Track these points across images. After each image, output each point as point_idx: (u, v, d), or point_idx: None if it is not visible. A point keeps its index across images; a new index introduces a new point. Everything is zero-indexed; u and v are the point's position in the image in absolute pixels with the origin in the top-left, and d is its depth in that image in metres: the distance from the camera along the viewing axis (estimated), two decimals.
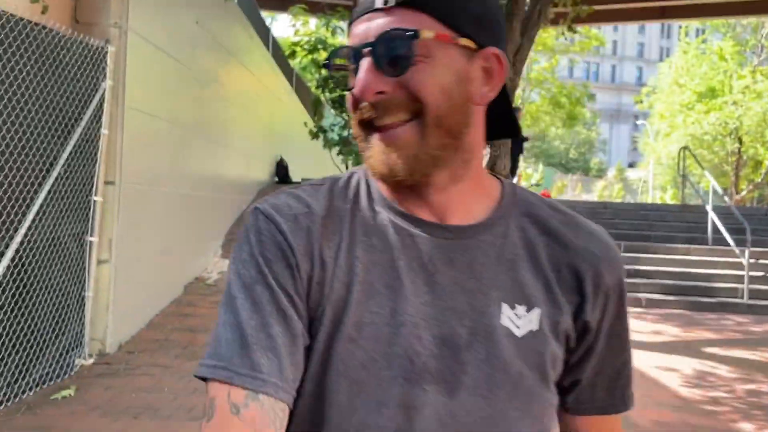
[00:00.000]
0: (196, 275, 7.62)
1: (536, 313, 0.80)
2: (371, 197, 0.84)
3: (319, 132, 12.09)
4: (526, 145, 14.98)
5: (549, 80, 27.55)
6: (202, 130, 7.62)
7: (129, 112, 5.42)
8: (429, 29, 0.75)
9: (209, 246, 8.24)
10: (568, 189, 33.38)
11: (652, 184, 31.42)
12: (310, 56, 11.89)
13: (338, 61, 0.80)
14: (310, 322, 0.77)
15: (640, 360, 5.86)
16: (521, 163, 14.93)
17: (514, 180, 12.74)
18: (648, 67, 69.93)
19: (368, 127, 0.78)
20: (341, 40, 12.52)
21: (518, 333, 0.78)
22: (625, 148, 71.31)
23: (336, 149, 12.15)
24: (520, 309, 0.79)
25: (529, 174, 28.82)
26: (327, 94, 12.45)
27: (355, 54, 0.77)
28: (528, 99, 28.30)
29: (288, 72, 14.31)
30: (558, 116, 31.60)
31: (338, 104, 12.23)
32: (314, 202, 0.82)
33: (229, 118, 8.97)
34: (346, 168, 12.76)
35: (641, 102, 35.25)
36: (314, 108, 12.63)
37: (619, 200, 32.93)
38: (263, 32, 12.47)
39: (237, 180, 9.64)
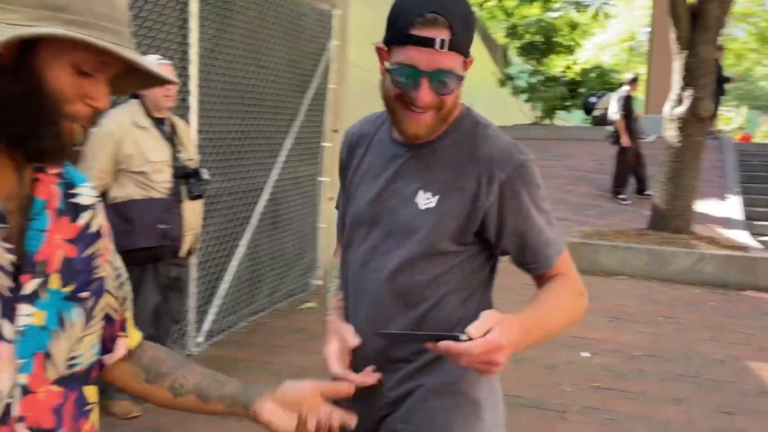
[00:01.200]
0: None
1: (436, 198, 1.28)
2: (387, 125, 1.38)
3: (507, 80, 12.32)
4: (727, 86, 13.99)
5: (756, 14, 24.90)
6: None
7: (350, 68, 6.16)
8: (462, 68, 1.21)
9: None
10: None
11: None
12: (499, 2, 12.04)
13: (402, 67, 1.22)
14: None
15: None
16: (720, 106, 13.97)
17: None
18: None
19: (404, 103, 1.23)
20: None
21: (421, 207, 1.29)
22: None
23: (524, 96, 12.33)
24: (429, 194, 1.29)
25: (729, 118, 26.51)
26: (515, 42, 12.57)
27: (415, 72, 1.19)
28: (730, 36, 25.87)
29: None
30: (766, 53, 28.51)
31: (526, 51, 12.33)
32: (362, 125, 1.46)
33: None
34: (534, 114, 12.88)
35: None
36: (502, 56, 12.84)
37: None
38: None
39: None
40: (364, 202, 1.35)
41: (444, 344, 1.06)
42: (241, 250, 4.80)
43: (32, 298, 0.89)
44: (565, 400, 3.64)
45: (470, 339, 1.05)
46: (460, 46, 1.18)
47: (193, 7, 4.05)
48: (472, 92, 13.50)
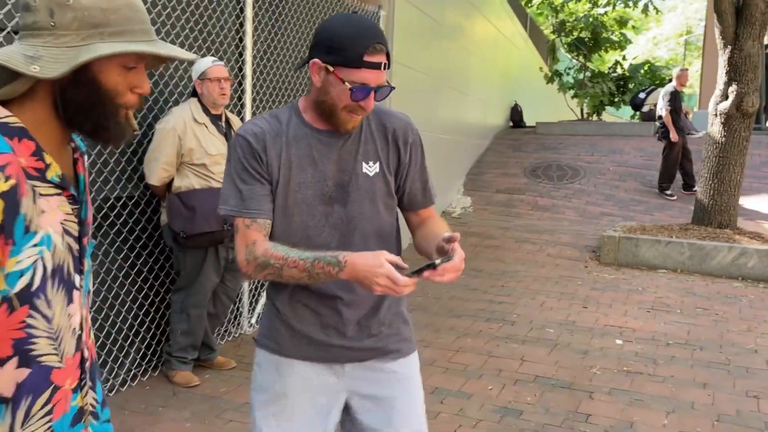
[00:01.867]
0: (443, 209, 8.64)
1: (377, 164, 1.69)
2: (296, 122, 1.66)
3: (554, 76, 12.34)
4: None
5: None
6: (448, 79, 8.47)
7: (396, 66, 6.41)
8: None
9: (453, 184, 9.19)
10: None
11: None
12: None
13: (360, 86, 1.55)
14: (274, 183, 1.63)
15: None
16: None
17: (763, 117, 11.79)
18: None
19: (349, 110, 1.59)
20: None
21: (370, 174, 1.68)
22: None
23: (571, 92, 12.32)
24: (371, 163, 1.68)
25: None
26: (563, 38, 12.57)
27: (368, 88, 1.55)
28: None
29: (523, 17, 14.62)
30: None
31: (574, 47, 12.34)
32: (265, 125, 1.64)
33: (470, 67, 9.71)
34: (581, 110, 12.87)
35: None
36: (550, 52, 12.89)
37: None
38: None
39: (476, 125, 10.43)
40: (314, 185, 1.64)
41: (442, 269, 1.45)
42: None
43: (85, 252, 1.17)
44: (594, 381, 3.82)
45: (441, 262, 1.46)
46: (389, 64, 1.60)
47: (249, 13, 4.38)
48: (519, 88, 13.54)
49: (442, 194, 8.56)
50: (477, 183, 9.84)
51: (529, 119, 13.23)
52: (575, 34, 12.32)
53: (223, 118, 3.61)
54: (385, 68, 1.56)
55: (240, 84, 4.43)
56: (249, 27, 4.39)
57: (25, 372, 1.05)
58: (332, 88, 1.56)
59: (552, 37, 13.45)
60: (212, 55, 4.11)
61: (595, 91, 11.84)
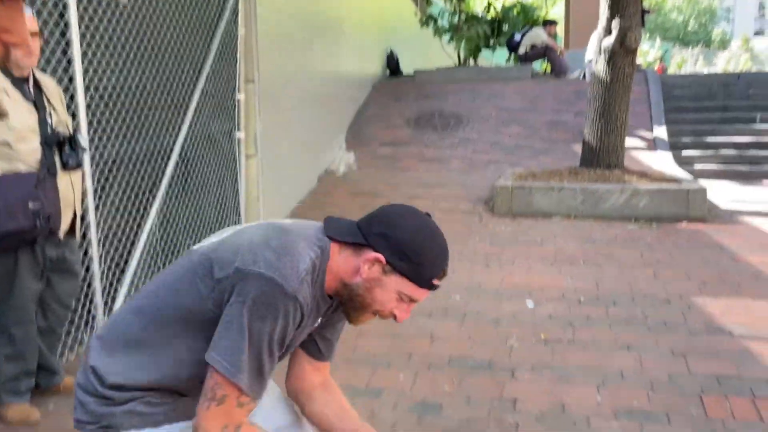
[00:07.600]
0: (326, 167, 8.00)
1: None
2: (319, 287, 1.42)
3: (428, 20, 11.88)
4: (646, 18, 13.98)
5: None
6: (321, 28, 7.75)
7: (260, 9, 5.60)
8: None
9: (334, 140, 8.55)
10: (688, 64, 31.06)
11: None
12: None
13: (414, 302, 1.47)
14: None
15: None
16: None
17: None
18: None
19: (375, 315, 1.48)
20: None
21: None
22: (751, 15, 64.68)
23: (446, 36, 11.93)
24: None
25: (645, 51, 26.98)
26: None
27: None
28: None
29: None
30: None
31: None
32: (309, 291, 1.36)
33: (343, 15, 8.99)
34: (458, 56, 12.51)
35: None
36: None
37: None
38: None
39: (353, 76, 9.77)
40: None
41: None
42: (151, 220, 4.31)
43: None
44: (514, 357, 3.41)
45: None
46: None
47: None
48: (393, 35, 12.98)
49: (323, 152, 7.91)
50: (359, 137, 9.25)
51: (405, 67, 12.73)
52: None
53: (31, 81, 2.71)
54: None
55: (63, 34, 3.50)
56: None
57: None
58: (379, 290, 1.41)
59: None
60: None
61: (470, 35, 11.50)
